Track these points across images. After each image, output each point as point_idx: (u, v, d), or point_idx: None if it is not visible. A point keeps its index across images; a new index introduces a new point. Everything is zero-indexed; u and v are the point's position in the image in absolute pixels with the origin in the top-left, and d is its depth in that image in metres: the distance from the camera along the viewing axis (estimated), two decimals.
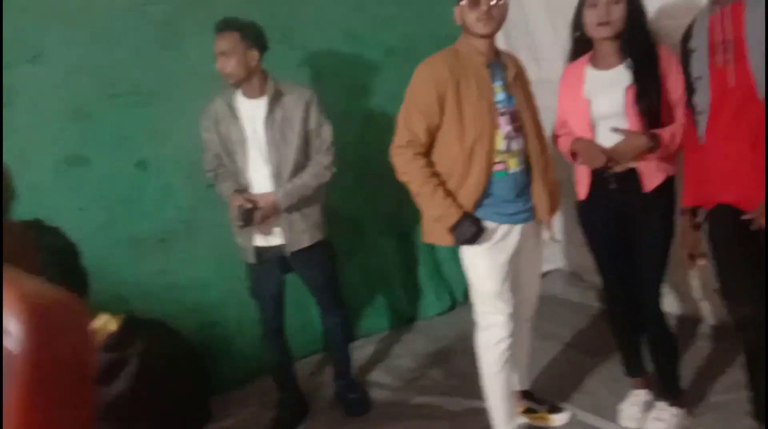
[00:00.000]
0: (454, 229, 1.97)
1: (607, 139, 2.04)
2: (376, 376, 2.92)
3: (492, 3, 1.91)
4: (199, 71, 2.49)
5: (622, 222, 2.10)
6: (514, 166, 2.01)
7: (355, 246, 3.20)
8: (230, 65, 2.23)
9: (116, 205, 2.59)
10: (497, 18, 1.94)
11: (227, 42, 2.21)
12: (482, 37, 1.95)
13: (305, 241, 2.39)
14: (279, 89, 2.33)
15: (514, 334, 2.09)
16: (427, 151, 2.02)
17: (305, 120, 2.33)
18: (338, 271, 2.63)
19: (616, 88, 2.01)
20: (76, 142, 2.47)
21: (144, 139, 2.59)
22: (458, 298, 3.47)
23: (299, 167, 2.34)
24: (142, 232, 2.64)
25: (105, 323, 1.21)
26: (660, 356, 2.21)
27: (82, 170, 2.51)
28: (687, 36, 1.84)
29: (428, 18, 3.11)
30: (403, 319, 3.40)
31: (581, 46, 2.13)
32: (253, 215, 2.25)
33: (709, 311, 2.81)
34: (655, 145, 1.94)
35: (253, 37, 2.26)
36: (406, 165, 2.00)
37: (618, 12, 1.95)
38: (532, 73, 2.77)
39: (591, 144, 2.04)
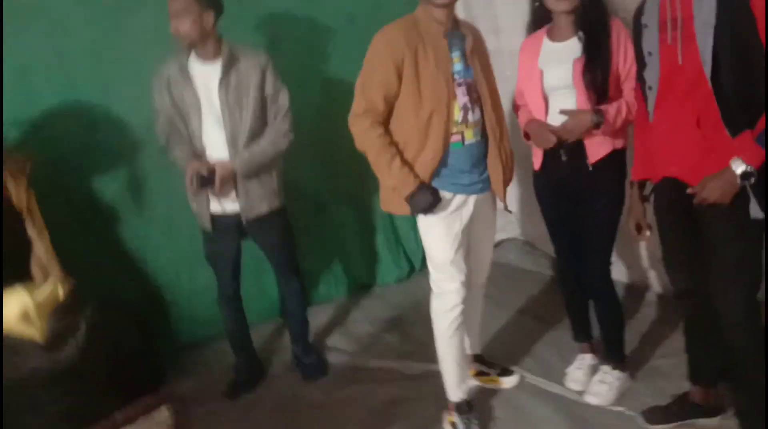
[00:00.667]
0: (410, 198, 1.99)
1: (557, 108, 2.08)
2: (334, 340, 2.97)
3: None
4: (158, 33, 2.41)
5: (572, 193, 2.16)
6: (470, 137, 2.03)
7: (313, 213, 3.20)
8: (184, 26, 2.16)
9: (66, 167, 2.52)
10: None
11: (181, 2, 2.14)
12: (441, 6, 1.94)
13: (262, 208, 2.38)
14: (234, 53, 2.27)
15: (467, 301, 2.14)
16: (385, 121, 2.02)
17: (261, 85, 2.29)
18: (294, 238, 2.64)
19: (566, 60, 2.05)
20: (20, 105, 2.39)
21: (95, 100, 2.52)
22: (416, 266, 3.52)
23: (255, 134, 2.31)
24: (92, 196, 2.58)
25: (54, 289, 1.19)
26: (606, 323, 2.31)
27: (33, 130, 2.42)
28: (640, 11, 1.86)
29: None
30: (361, 286, 3.44)
31: (540, 17, 2.15)
32: (211, 181, 2.22)
33: (655, 279, 2.93)
34: (600, 120, 1.99)
35: None
36: (363, 134, 2.00)
37: None
38: (491, 43, 2.78)
39: (541, 126, 2.09)
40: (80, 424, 1.09)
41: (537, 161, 2.22)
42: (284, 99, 2.35)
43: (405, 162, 1.99)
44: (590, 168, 2.08)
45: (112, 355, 1.20)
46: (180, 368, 2.74)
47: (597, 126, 2.01)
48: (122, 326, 1.29)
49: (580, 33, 2.03)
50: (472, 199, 2.08)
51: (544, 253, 3.37)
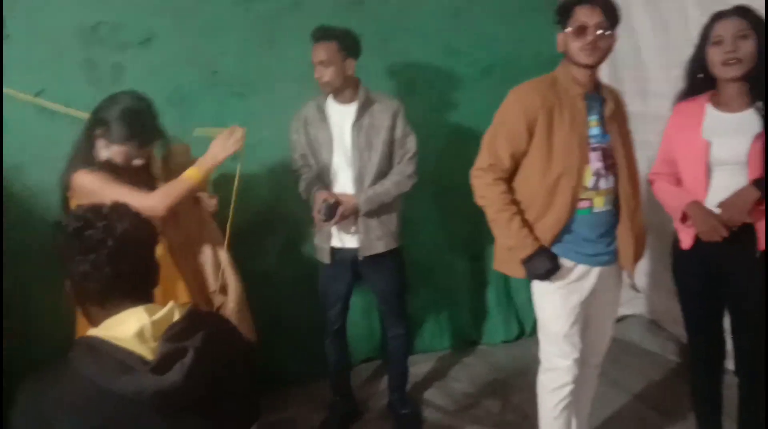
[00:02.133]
0: (527, 261, 1.89)
1: (722, 188, 1.88)
2: (431, 395, 2.88)
3: (599, 33, 1.82)
4: (295, 70, 2.55)
5: (723, 278, 1.93)
6: (600, 204, 1.91)
7: (425, 260, 3.17)
8: (328, 74, 2.27)
9: None
10: (603, 49, 1.84)
11: (325, 51, 2.25)
12: (584, 67, 1.87)
13: (379, 247, 2.40)
14: (369, 97, 2.36)
15: (579, 380, 1.98)
16: (509, 177, 1.96)
17: (391, 129, 2.35)
18: (406, 283, 2.62)
19: (743, 133, 1.84)
20: (170, 125, 2.59)
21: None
22: (527, 329, 3.35)
23: (381, 174, 2.37)
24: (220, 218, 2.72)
25: (170, 312, 1.24)
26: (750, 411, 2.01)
27: None
28: None
29: (530, 39, 3.02)
30: (466, 341, 3.33)
31: (701, 85, 1.97)
32: (335, 211, 2.28)
33: None
34: (763, 193, 1.78)
35: (350, 46, 2.29)
36: (484, 188, 1.95)
37: (747, 48, 1.79)
38: (636, 107, 2.64)
39: (709, 214, 1.86)
40: None
41: (686, 239, 1.99)
42: (412, 143, 2.40)
43: (525, 222, 1.91)
44: (753, 254, 1.85)
45: (213, 385, 1.21)
46: (276, 399, 2.79)
47: (761, 201, 1.79)
48: (229, 358, 1.30)
49: (759, 103, 1.83)
50: (596, 271, 1.94)
51: (672, 336, 3.07)
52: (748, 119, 1.85)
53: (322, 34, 2.28)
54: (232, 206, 2.09)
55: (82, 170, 1.86)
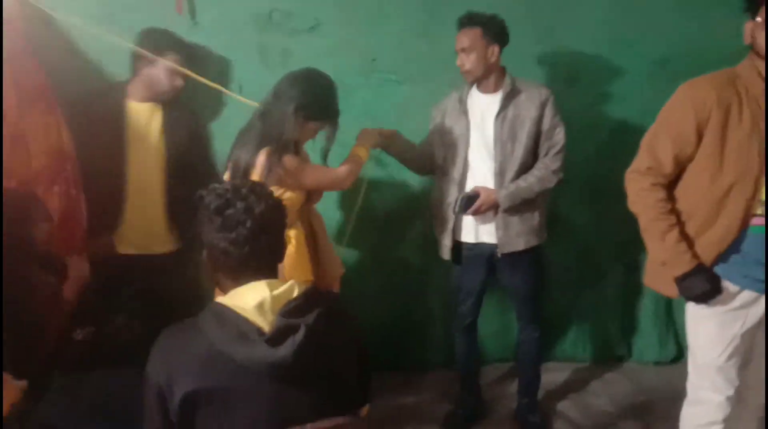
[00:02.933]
0: (682, 280, 1.69)
1: None
2: (565, 406, 2.72)
3: None
4: (450, 59, 2.51)
5: None
6: None
7: (571, 262, 2.98)
8: (470, 62, 2.22)
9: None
10: None
11: (468, 38, 2.20)
12: None
13: (519, 244, 2.30)
14: (515, 86, 2.25)
15: (731, 421, 1.73)
16: (670, 184, 1.75)
17: (538, 120, 2.23)
18: (544, 283, 2.49)
19: None
20: None
21: (388, 116, 2.72)
22: (685, 353, 3.02)
23: (525, 168, 2.25)
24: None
25: (290, 288, 1.29)
26: None
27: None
28: None
29: (713, 29, 2.66)
30: (611, 356, 3.09)
31: None
32: (472, 203, 2.22)
33: None
34: None
35: (495, 32, 2.20)
36: (639, 194, 1.77)
37: None
38: None
39: None
40: (269, 426, 1.17)
41: None
42: (560, 136, 2.26)
43: (684, 236, 1.70)
44: None
45: (321, 364, 1.25)
46: (408, 383, 2.82)
47: None
48: (339, 340, 1.33)
49: None
50: (764, 299, 1.67)
51: None
52: None
53: (467, 20, 2.22)
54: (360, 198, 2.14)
55: (287, 155, 1.96)
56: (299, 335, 1.19)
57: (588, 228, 2.98)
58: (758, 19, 1.60)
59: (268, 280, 1.26)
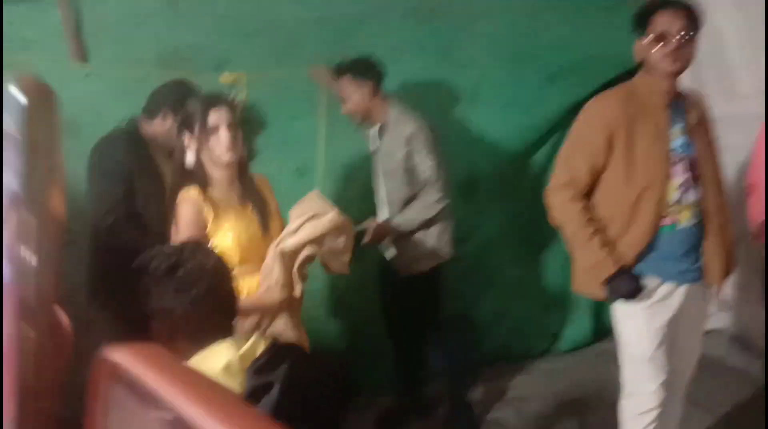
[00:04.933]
0: (609, 282, 1.81)
1: None
2: (500, 412, 2.80)
3: (682, 39, 1.73)
4: None
5: None
6: (685, 219, 1.81)
7: (485, 268, 3.11)
8: (347, 107, 2.39)
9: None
10: (687, 56, 1.75)
11: (341, 87, 2.36)
12: (667, 75, 1.78)
13: (413, 269, 2.44)
14: (387, 121, 2.39)
15: (664, 403, 1.89)
16: (587, 194, 1.89)
17: (407, 155, 2.34)
18: (440, 300, 2.59)
19: None
20: None
21: (304, 148, 2.69)
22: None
23: (410, 198, 2.39)
24: None
25: (254, 344, 1.25)
26: None
27: None
28: None
29: (603, 39, 2.91)
30: (539, 350, 3.26)
31: None
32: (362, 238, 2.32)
33: None
34: None
35: (362, 72, 2.34)
36: (561, 206, 1.88)
37: None
38: (722, 110, 2.50)
39: None
40: None
41: None
42: (429, 171, 2.35)
43: (606, 241, 1.83)
44: None
45: (301, 416, 1.21)
46: None
47: None
48: (314, 385, 1.30)
49: None
50: (682, 289, 1.84)
51: (759, 352, 2.89)
52: None
53: (336, 71, 2.38)
54: None
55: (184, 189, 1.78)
56: (274, 393, 1.15)
57: (503, 229, 3.11)
58: (648, 37, 1.77)
59: (230, 340, 1.21)
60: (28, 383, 0.28)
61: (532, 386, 2.99)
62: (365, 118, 2.42)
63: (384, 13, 2.72)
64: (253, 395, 1.14)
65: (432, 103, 2.77)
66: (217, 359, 1.17)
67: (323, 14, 2.63)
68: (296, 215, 1.73)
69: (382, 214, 2.47)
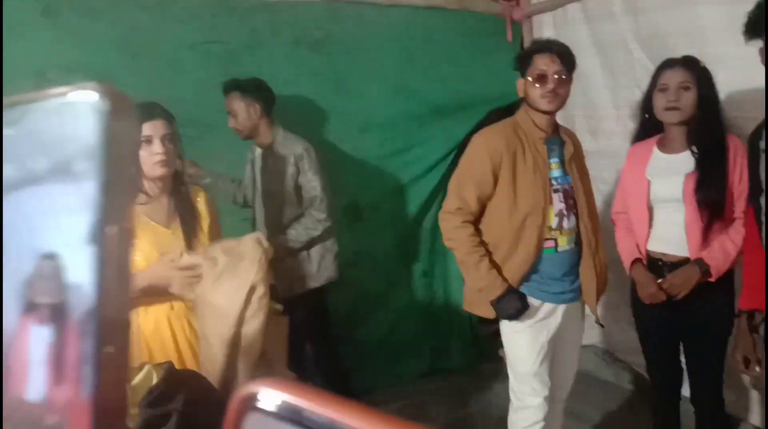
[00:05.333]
0: (496, 302, 1.92)
1: (663, 223, 2.00)
2: None
3: (558, 80, 1.90)
4: None
5: (682, 314, 2.01)
6: (564, 244, 1.97)
7: (384, 288, 3.17)
8: (233, 122, 2.43)
9: None
10: (562, 95, 1.93)
11: (230, 102, 2.40)
12: (545, 113, 1.94)
13: (296, 289, 2.46)
14: (276, 141, 2.44)
15: (547, 416, 2.02)
16: (477, 220, 2.00)
17: (294, 175, 2.42)
18: (328, 322, 2.66)
19: (678, 173, 1.96)
20: None
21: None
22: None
23: (293, 218, 2.44)
24: None
25: (148, 376, 1.19)
26: None
27: None
28: (757, 134, 1.79)
29: (479, 78, 3.13)
30: (431, 370, 3.33)
31: (650, 127, 2.09)
32: None
33: (755, 409, 2.67)
34: (706, 269, 1.91)
35: (253, 92, 2.40)
36: (453, 231, 1.98)
37: (688, 98, 1.92)
38: (589, 144, 2.76)
39: (650, 279, 2.00)
40: None
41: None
42: (316, 190, 2.42)
43: (494, 264, 1.95)
44: (700, 286, 1.94)
45: None
46: None
47: (705, 274, 1.92)
48: (213, 414, 1.25)
49: (694, 147, 1.95)
50: (561, 308, 1.99)
51: (626, 365, 3.17)
52: (684, 160, 1.96)
53: (226, 86, 2.42)
54: None
55: None
56: (171, 424, 1.10)
57: (389, 254, 3.19)
58: (527, 77, 1.93)
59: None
60: (108, 402, 0.26)
61: (418, 406, 3.06)
62: (250, 137, 2.47)
63: (273, 40, 2.75)
64: (149, 427, 1.08)
65: (324, 129, 2.83)
66: None
67: (210, 38, 2.61)
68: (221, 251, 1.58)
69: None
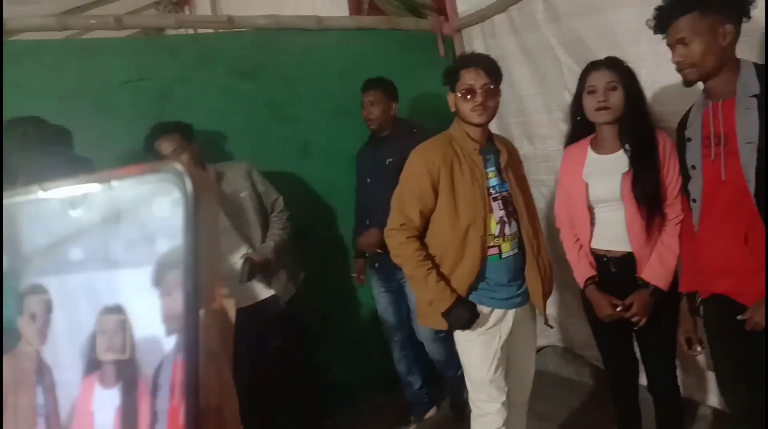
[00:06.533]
0: (447, 313, 1.94)
1: (605, 222, 2.05)
2: None
3: (486, 92, 1.93)
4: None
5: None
6: (507, 250, 2.00)
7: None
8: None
9: None
10: (492, 107, 1.96)
11: (166, 147, 2.35)
12: (477, 125, 1.98)
13: (289, 292, 2.56)
14: (219, 169, 2.48)
15: (508, 421, 2.03)
16: (421, 234, 2.01)
17: (252, 186, 2.50)
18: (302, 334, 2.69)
19: (614, 173, 2.01)
20: None
21: None
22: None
23: (264, 225, 2.52)
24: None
25: None
26: None
27: None
28: (683, 124, 1.86)
29: (414, 94, 3.16)
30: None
31: (582, 128, 2.14)
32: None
33: (712, 392, 2.74)
34: (659, 292, 1.97)
35: (187, 134, 2.40)
36: (399, 248, 1.99)
37: (616, 98, 1.97)
38: (524, 149, 2.82)
39: (605, 302, 2.05)
40: None
41: (588, 269, 2.13)
42: (274, 192, 2.58)
43: (441, 276, 1.96)
44: (639, 281, 2.01)
45: None
46: None
47: (655, 294, 1.98)
48: None
49: (627, 146, 2.00)
50: (511, 313, 2.02)
51: (586, 361, 3.22)
52: (618, 160, 2.01)
53: (163, 130, 2.37)
54: None
55: None
56: None
57: (339, 273, 3.17)
58: (457, 92, 1.97)
59: None
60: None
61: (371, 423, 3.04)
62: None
63: (205, 73, 2.73)
64: None
65: (264, 157, 2.79)
66: None
67: (139, 76, 2.58)
68: None
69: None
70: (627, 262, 2.03)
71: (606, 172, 2.03)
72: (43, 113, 2.36)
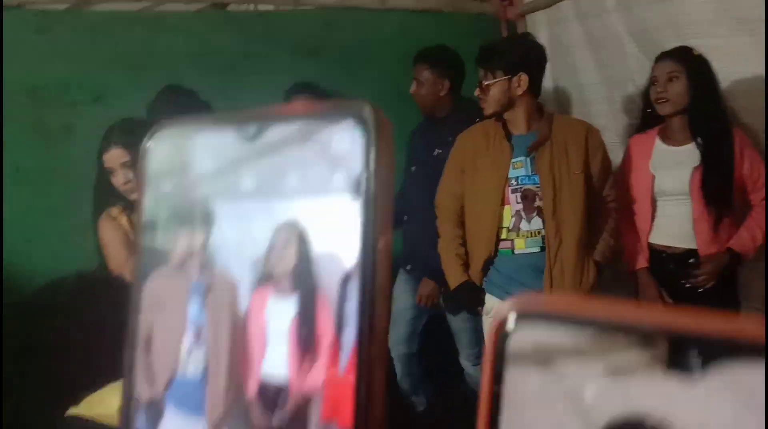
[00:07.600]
0: (454, 291, 1.98)
1: (668, 216, 1.96)
2: None
3: (485, 86, 1.91)
4: None
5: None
6: (521, 246, 1.92)
7: None
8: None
9: None
10: (494, 97, 1.91)
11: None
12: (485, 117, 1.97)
13: None
14: None
15: None
16: (459, 215, 2.03)
17: None
18: None
19: (684, 166, 1.91)
20: None
21: None
22: None
23: None
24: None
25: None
26: None
27: None
28: None
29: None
30: None
31: (650, 120, 2.05)
32: None
33: None
34: (736, 260, 1.86)
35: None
36: (438, 226, 2.05)
37: (676, 88, 1.89)
38: None
39: (652, 288, 1.97)
40: None
41: (642, 259, 2.04)
42: None
43: (460, 256, 1.98)
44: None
45: None
46: None
47: (734, 260, 1.87)
48: None
49: (699, 139, 1.89)
50: None
51: None
52: (689, 153, 1.91)
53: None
54: None
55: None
56: None
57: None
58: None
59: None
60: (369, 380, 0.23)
61: None
62: None
63: (268, 49, 2.80)
64: None
65: None
66: (114, 400, 1.13)
67: (204, 49, 2.69)
68: None
69: None
70: (686, 259, 1.93)
71: (675, 164, 1.94)
72: (113, 84, 2.55)
